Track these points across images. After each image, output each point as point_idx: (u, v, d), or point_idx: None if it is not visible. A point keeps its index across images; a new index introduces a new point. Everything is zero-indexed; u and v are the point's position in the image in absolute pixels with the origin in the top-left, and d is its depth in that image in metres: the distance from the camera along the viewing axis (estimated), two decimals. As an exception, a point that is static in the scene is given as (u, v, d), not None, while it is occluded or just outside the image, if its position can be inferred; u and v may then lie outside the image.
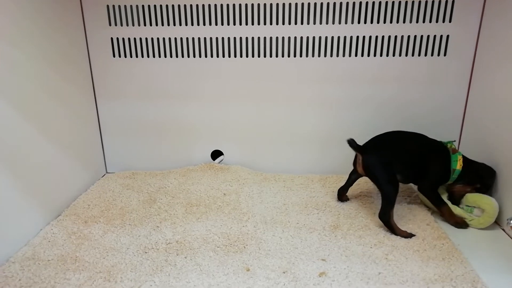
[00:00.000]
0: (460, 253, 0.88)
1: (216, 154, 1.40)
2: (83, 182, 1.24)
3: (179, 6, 1.21)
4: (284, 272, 0.82)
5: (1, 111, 0.88)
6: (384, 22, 1.19)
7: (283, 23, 1.21)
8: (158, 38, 1.25)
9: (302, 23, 1.21)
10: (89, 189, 1.23)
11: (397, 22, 1.18)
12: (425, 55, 1.21)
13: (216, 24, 1.22)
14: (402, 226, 1.00)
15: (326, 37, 1.22)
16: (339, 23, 1.20)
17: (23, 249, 0.91)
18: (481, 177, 1.05)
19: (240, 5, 1.20)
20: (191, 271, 0.83)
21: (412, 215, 1.06)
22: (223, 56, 1.26)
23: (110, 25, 1.24)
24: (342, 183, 1.25)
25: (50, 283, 0.80)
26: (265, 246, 0.92)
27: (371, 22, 1.19)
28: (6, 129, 0.90)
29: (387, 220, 0.97)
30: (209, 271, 0.83)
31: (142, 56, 1.27)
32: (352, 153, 1.34)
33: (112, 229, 1.00)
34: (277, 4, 1.19)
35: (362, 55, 1.23)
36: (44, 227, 1.01)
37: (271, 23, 1.21)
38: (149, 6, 1.22)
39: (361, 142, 1.32)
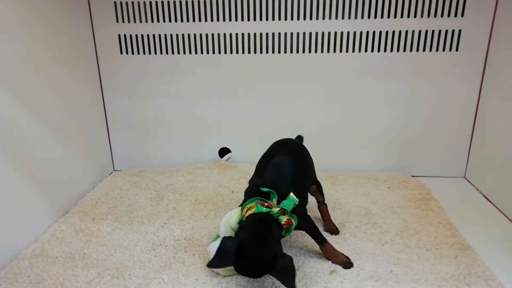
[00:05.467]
0: (473, 251, 0.87)
1: (223, 152, 1.39)
2: (90, 180, 1.24)
3: (186, 2, 1.20)
4: (294, 270, 0.81)
5: (8, 108, 0.88)
6: (395, 16, 1.17)
7: (290, 19, 1.20)
8: (165, 35, 1.24)
9: (311, 19, 1.19)
10: (97, 187, 1.23)
11: (408, 16, 1.16)
12: (437, 50, 1.19)
13: (224, 20, 1.21)
14: (413, 223, 0.98)
15: (336, 32, 1.20)
16: (349, 18, 1.18)
17: (32, 246, 0.91)
18: None
19: (248, 0, 1.19)
20: (199, 268, 0.82)
21: (424, 213, 1.04)
22: (231, 53, 1.25)
23: (117, 22, 1.24)
24: (351, 181, 1.25)
25: (59, 279, 0.79)
26: (274, 243, 0.91)
27: (381, 17, 1.17)
28: (13, 127, 0.90)
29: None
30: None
31: (150, 53, 1.27)
32: (360, 150, 1.33)
33: (120, 226, 1.00)
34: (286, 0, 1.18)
35: (372, 51, 1.21)
36: (52, 224, 1.01)
37: (279, 19, 1.20)
38: (156, 2, 1.21)
39: (370, 138, 1.31)
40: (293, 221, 0.76)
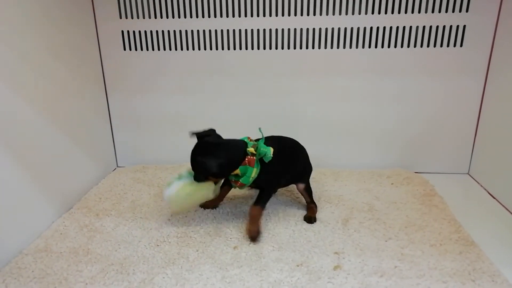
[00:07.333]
0: (478, 247, 0.86)
1: (226, 148, 1.39)
2: (94, 176, 1.24)
3: (189, -2, 1.20)
4: (298, 265, 0.81)
5: (11, 105, 0.88)
6: (399, 12, 1.16)
7: (294, 15, 1.19)
8: (169, 31, 1.24)
9: (314, 14, 1.19)
10: (100, 183, 1.23)
11: (412, 12, 1.15)
12: (441, 45, 1.18)
13: (227, 16, 1.21)
14: (417, 219, 0.98)
15: (339, 28, 1.20)
16: (352, 13, 1.17)
17: (36, 241, 0.91)
18: None
19: (251, -4, 1.18)
20: (203, 264, 0.82)
21: (428, 209, 1.04)
22: (234, 49, 1.25)
23: (120, 18, 1.24)
24: (355, 177, 1.24)
25: (63, 275, 0.79)
26: (278, 239, 0.91)
27: (385, 13, 1.16)
28: (15, 123, 0.90)
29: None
30: (222, 263, 0.82)
31: (153, 49, 1.27)
32: (363, 147, 1.33)
33: (123, 222, 1.00)
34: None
35: (376, 47, 1.20)
36: (56, 219, 1.01)
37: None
38: (159, -2, 1.21)
39: (374, 135, 1.30)
40: (254, 162, 0.89)
